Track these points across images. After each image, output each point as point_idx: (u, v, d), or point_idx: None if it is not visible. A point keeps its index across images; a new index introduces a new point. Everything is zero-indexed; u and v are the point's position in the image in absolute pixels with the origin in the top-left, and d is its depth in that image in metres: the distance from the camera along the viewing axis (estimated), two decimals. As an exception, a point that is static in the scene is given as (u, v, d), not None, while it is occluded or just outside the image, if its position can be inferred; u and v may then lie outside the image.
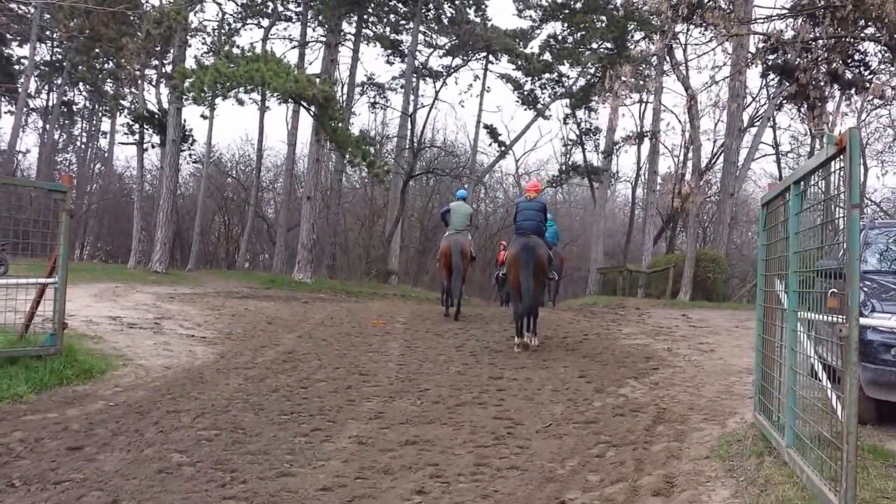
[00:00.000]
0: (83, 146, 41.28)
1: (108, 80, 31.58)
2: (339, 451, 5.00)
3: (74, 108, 38.53)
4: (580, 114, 34.41)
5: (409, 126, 32.35)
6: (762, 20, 17.43)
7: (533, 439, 5.45)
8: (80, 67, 30.11)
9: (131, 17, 22.23)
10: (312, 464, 4.70)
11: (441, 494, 4.22)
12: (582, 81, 33.28)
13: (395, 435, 5.44)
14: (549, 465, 4.78)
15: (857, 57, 19.03)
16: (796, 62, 16.45)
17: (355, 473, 4.53)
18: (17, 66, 31.91)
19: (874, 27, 14.84)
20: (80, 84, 35.17)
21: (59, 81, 33.64)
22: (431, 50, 34.71)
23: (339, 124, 22.20)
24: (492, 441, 5.36)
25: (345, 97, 30.13)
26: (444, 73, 34.99)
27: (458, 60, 34.90)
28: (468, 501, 4.12)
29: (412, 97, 32.88)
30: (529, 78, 33.79)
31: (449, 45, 33.86)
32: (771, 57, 18.07)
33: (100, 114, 39.50)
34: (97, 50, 26.62)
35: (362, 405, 6.43)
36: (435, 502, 4.12)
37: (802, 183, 4.18)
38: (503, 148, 36.71)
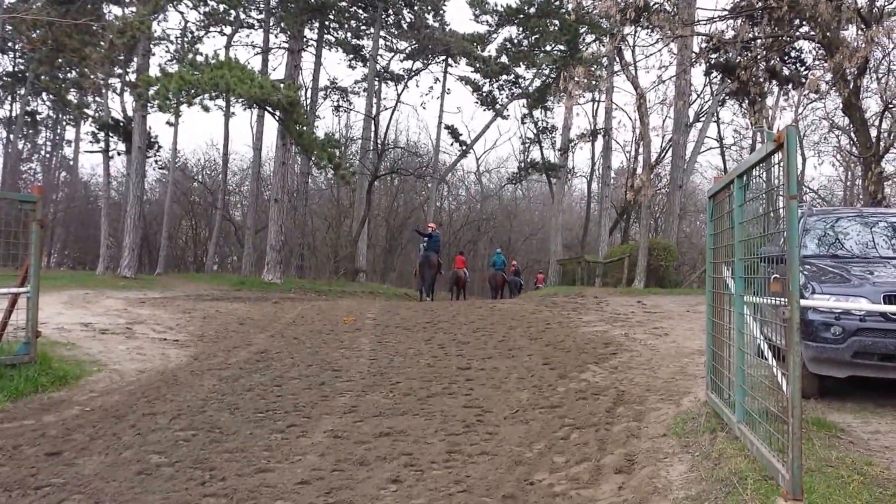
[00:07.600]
0: (48, 155, 40.70)
1: (72, 90, 31.12)
2: (315, 445, 5.13)
3: (38, 117, 37.78)
4: (537, 113, 35.23)
5: (373, 128, 32.53)
6: (705, 22, 18.08)
7: (501, 425, 5.63)
8: (43, 77, 29.62)
9: (94, 28, 21.96)
10: (290, 459, 4.81)
11: (415, 482, 4.36)
12: (538, 82, 34.09)
13: (368, 427, 5.58)
14: (517, 449, 4.97)
15: (793, 54, 19.80)
16: (737, 60, 17.02)
17: (332, 466, 4.64)
18: (-21, 78, 31.26)
19: (808, 26, 15.38)
20: (44, 94, 34.55)
21: (23, 91, 32.98)
22: (392, 54, 35.02)
23: (305, 128, 22.27)
24: (462, 429, 5.53)
25: (309, 101, 30.18)
26: (406, 77, 35.31)
27: (418, 64, 35.26)
28: (442, 487, 4.25)
29: (375, 100, 33.15)
30: (487, 80, 34.48)
31: (409, 49, 34.10)
32: (713, 56, 18.70)
33: (64, 123, 38.86)
34: (60, 60, 26.24)
35: (336, 400, 6.56)
36: (410, 490, 4.24)
37: (745, 176, 4.41)
38: (464, 147, 37.31)
